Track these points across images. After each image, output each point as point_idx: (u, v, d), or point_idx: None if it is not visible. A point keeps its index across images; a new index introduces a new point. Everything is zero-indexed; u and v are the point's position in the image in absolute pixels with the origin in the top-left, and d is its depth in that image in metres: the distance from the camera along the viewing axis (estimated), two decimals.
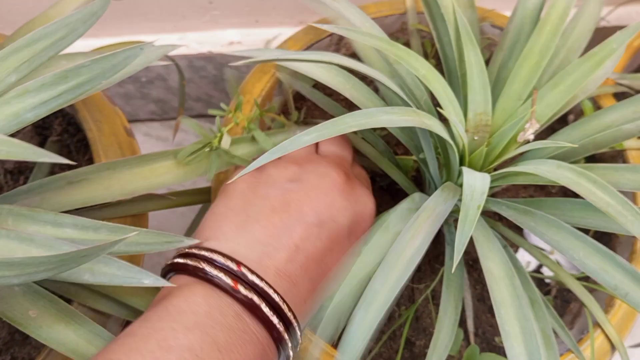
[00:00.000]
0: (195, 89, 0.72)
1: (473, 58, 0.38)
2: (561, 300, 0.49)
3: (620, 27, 0.71)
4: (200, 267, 0.32)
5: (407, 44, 0.53)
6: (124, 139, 0.47)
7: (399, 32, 0.55)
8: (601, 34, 0.52)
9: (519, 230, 0.51)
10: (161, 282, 0.29)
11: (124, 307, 0.41)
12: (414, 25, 0.51)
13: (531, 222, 0.36)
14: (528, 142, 0.38)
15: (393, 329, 0.44)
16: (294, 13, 0.65)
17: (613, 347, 0.44)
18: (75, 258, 0.26)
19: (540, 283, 0.49)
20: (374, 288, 0.31)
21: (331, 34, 0.53)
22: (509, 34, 0.41)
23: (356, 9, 0.43)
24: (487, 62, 0.44)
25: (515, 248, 0.51)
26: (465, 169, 0.36)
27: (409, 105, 0.36)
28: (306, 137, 0.30)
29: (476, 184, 0.34)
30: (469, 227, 0.31)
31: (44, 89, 0.29)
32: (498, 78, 0.41)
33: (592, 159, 0.50)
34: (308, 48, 0.49)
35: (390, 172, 0.44)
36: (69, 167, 0.50)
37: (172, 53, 0.65)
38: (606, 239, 0.49)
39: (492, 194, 0.45)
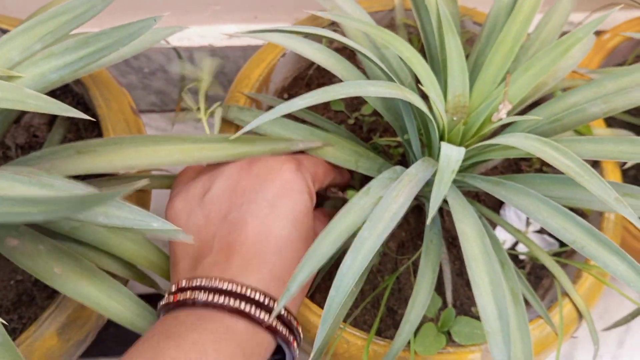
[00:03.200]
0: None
1: (453, 44, 0.42)
2: (534, 276, 0.53)
3: (599, 32, 0.75)
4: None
5: None
6: (131, 117, 0.50)
7: (388, 27, 0.59)
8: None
9: (496, 210, 0.54)
10: (168, 226, 0.32)
11: (129, 268, 0.45)
12: (402, 19, 0.55)
13: (502, 191, 0.39)
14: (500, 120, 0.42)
15: (375, 294, 0.48)
16: (291, 10, 0.69)
17: (581, 316, 0.48)
18: (94, 199, 0.29)
19: (516, 260, 0.53)
20: (363, 236, 0.35)
21: (328, 25, 0.57)
22: (487, 25, 0.45)
23: (352, 1, 0.47)
24: (467, 56, 0.48)
25: (493, 226, 0.54)
26: (443, 144, 0.40)
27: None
28: (301, 101, 0.33)
29: (452, 154, 0.38)
30: (444, 187, 0.35)
31: (68, 52, 0.32)
32: (476, 64, 0.45)
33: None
34: (306, 37, 0.53)
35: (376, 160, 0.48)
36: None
37: (175, 44, 0.69)
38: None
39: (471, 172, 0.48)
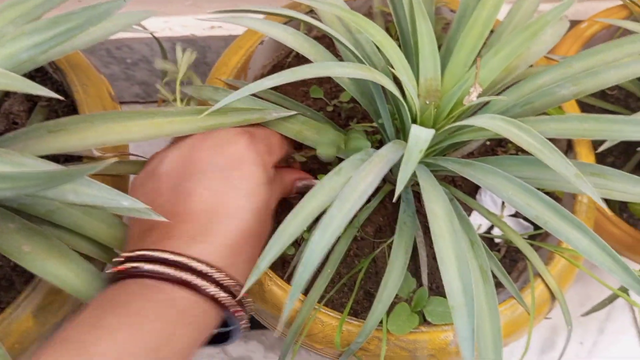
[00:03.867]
0: None
1: (424, 28, 0.43)
2: (509, 259, 0.54)
3: (577, 22, 0.76)
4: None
5: None
6: (109, 104, 0.51)
7: (366, 15, 0.59)
8: None
9: (472, 195, 0.55)
10: (138, 204, 0.32)
11: (105, 250, 0.45)
12: (379, 7, 0.56)
13: (471, 171, 0.40)
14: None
15: (350, 275, 0.48)
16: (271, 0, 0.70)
17: (553, 297, 0.48)
18: (62, 175, 0.30)
19: (491, 243, 0.54)
20: (331, 213, 0.35)
21: (307, 12, 0.57)
22: (459, 10, 0.46)
23: None
24: (442, 42, 0.49)
25: (470, 211, 0.55)
26: (413, 125, 0.40)
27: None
28: (269, 81, 0.34)
29: (421, 135, 0.38)
30: (411, 165, 0.35)
31: (38, 32, 0.33)
32: (447, 48, 0.46)
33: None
34: (285, 24, 0.54)
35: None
36: None
37: (158, 35, 0.70)
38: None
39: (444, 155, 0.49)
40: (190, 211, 0.38)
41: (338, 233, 0.35)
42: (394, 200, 0.34)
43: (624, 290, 0.62)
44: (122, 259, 0.37)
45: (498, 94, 0.46)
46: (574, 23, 0.74)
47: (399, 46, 0.48)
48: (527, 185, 0.36)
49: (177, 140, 0.43)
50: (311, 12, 0.57)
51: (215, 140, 0.41)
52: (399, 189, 0.34)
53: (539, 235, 0.53)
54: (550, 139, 0.35)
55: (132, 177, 0.51)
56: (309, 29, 0.60)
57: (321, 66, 0.36)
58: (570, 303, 0.79)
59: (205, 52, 0.73)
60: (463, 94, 0.43)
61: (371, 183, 0.37)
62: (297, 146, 0.49)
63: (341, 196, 0.36)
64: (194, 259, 0.36)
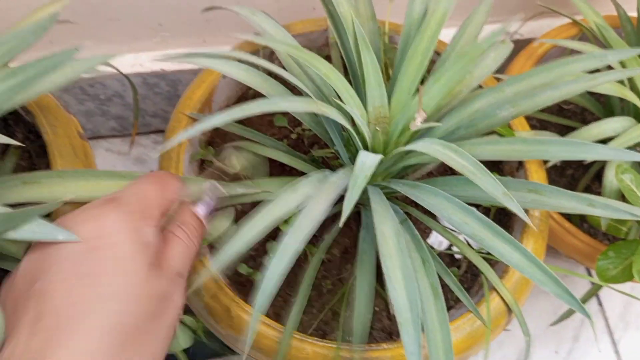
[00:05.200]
0: (152, 105, 0.78)
1: (369, 60, 0.46)
2: (471, 274, 0.56)
3: (532, 39, 0.79)
4: None
5: (329, 57, 0.60)
6: (77, 142, 0.53)
7: (324, 46, 0.63)
8: (517, 46, 0.60)
9: (433, 215, 0.57)
10: (73, 237, 0.33)
11: None
12: (333, 38, 0.59)
13: (417, 192, 0.42)
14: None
15: (331, 304, 0.50)
16: (237, 32, 0.72)
17: (510, 310, 0.50)
18: (9, 219, 0.32)
19: (453, 259, 0.56)
20: (286, 242, 0.37)
21: (263, 48, 0.60)
22: (401, 39, 0.48)
23: (275, 23, 0.51)
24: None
25: (429, 231, 0.57)
26: (361, 151, 0.43)
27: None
28: (217, 118, 0.36)
29: (367, 160, 0.41)
30: (356, 190, 0.37)
31: None
32: (394, 77, 0.48)
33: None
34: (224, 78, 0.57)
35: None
36: (29, 171, 0.55)
37: (128, 72, 0.72)
38: (506, 219, 0.56)
39: (400, 178, 0.51)
40: (47, 312, 0.30)
41: (292, 261, 0.37)
42: (340, 224, 0.36)
43: (597, 288, 0.64)
44: None
45: (444, 117, 0.49)
46: (529, 41, 0.77)
47: (350, 76, 0.51)
48: (465, 205, 0.39)
49: None
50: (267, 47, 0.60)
51: (68, 223, 0.34)
52: (345, 214, 0.36)
53: None
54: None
55: None
56: (270, 60, 0.63)
57: (268, 102, 0.38)
58: (543, 313, 0.81)
59: (177, 85, 0.76)
60: (409, 119, 0.46)
61: (323, 211, 0.39)
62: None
63: (295, 225, 0.38)
64: None
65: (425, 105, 0.45)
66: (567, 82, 0.44)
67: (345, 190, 0.43)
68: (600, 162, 0.67)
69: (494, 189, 0.34)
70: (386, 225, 0.41)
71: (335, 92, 0.46)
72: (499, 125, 0.46)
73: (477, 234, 0.37)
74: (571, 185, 0.70)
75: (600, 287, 0.61)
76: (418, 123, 0.45)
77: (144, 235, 0.34)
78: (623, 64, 0.56)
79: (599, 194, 0.69)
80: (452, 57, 0.50)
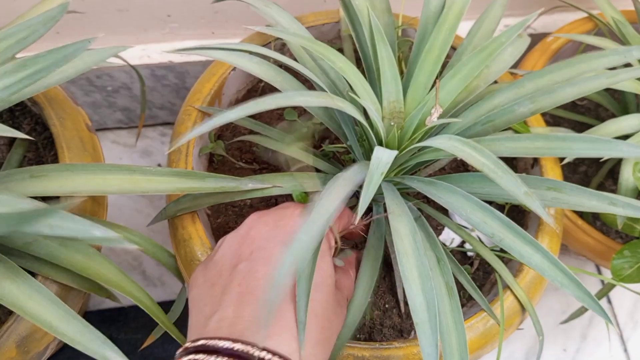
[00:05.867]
0: (159, 97, 0.78)
1: (385, 54, 0.45)
2: (483, 272, 0.55)
3: (546, 34, 0.78)
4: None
5: (341, 49, 0.59)
6: (85, 134, 0.52)
7: (335, 39, 0.61)
8: (531, 41, 0.59)
9: (445, 211, 0.57)
10: (110, 234, 0.33)
11: (84, 280, 0.46)
12: (346, 31, 0.58)
13: (432, 190, 0.41)
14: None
15: None
16: (246, 24, 0.71)
17: (523, 309, 0.50)
18: (33, 214, 0.31)
19: (464, 256, 0.55)
20: (300, 238, 0.36)
21: (274, 40, 0.59)
22: (418, 33, 0.47)
23: (288, 15, 0.50)
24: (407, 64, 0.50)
25: (442, 227, 0.56)
26: (377, 147, 0.42)
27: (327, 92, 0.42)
28: (232, 114, 0.35)
29: (383, 157, 0.40)
30: (372, 187, 0.37)
31: (6, 75, 0.34)
32: (409, 71, 0.47)
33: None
34: (234, 69, 0.56)
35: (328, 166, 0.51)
36: (36, 164, 0.55)
37: (135, 63, 0.71)
38: (520, 216, 0.55)
39: (412, 174, 0.50)
40: (252, 291, 0.36)
41: (308, 256, 0.36)
42: (356, 222, 0.36)
43: (609, 287, 0.63)
44: (183, 350, 0.34)
45: (461, 113, 0.48)
46: (542, 36, 0.76)
47: (364, 70, 0.50)
48: (484, 203, 0.38)
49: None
50: (279, 38, 0.59)
51: (272, 216, 0.41)
52: (361, 210, 0.36)
53: None
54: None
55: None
56: (281, 52, 0.62)
57: (283, 96, 0.37)
58: (551, 311, 0.81)
59: (185, 77, 0.75)
60: (425, 115, 0.45)
61: (337, 207, 0.39)
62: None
63: (308, 221, 0.37)
64: (266, 350, 0.33)
65: (442, 100, 0.44)
66: (588, 78, 0.43)
67: (358, 186, 0.42)
68: (614, 159, 0.66)
69: (516, 188, 0.34)
70: (401, 223, 0.40)
71: (350, 86, 0.45)
72: (516, 121, 0.45)
73: (497, 234, 0.36)
74: (584, 182, 0.69)
75: (613, 286, 0.60)
76: (434, 118, 0.44)
77: (331, 240, 0.41)
78: None
79: (612, 191, 0.69)
80: (468, 51, 0.49)
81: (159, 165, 0.81)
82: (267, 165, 0.58)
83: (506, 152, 0.39)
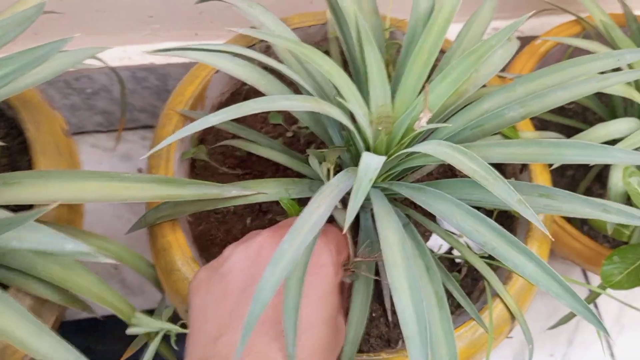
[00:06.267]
0: (140, 100, 0.76)
1: (372, 56, 0.43)
2: (471, 278, 0.54)
3: (534, 37, 0.78)
4: None
5: (328, 52, 0.58)
6: (61, 139, 0.50)
7: (322, 41, 0.60)
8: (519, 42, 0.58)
9: (432, 217, 0.56)
10: (83, 248, 0.32)
11: (60, 292, 0.44)
12: (333, 33, 0.56)
13: (422, 196, 0.40)
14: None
15: None
16: (231, 26, 0.69)
17: (513, 317, 0.49)
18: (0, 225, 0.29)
19: (452, 263, 0.54)
20: (282, 248, 0.35)
21: (259, 42, 0.57)
22: (406, 36, 0.46)
23: (273, 17, 0.48)
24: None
25: (430, 233, 0.55)
26: (364, 153, 0.41)
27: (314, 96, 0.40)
28: (213, 117, 0.34)
29: (371, 163, 0.39)
30: (361, 195, 0.35)
31: None
32: (397, 74, 0.46)
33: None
34: (217, 72, 0.54)
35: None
36: (10, 170, 0.53)
37: (116, 65, 0.70)
38: (509, 221, 0.54)
39: (400, 179, 0.49)
40: (262, 319, 0.34)
41: (289, 268, 0.35)
42: (344, 231, 0.34)
43: (595, 295, 0.63)
44: None
45: (449, 117, 0.47)
46: (530, 39, 0.76)
47: (351, 73, 0.49)
48: (475, 211, 0.37)
49: (249, 236, 0.41)
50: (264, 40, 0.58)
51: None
52: (348, 221, 0.34)
53: None
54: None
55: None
56: (267, 54, 0.60)
57: (267, 100, 0.36)
58: (538, 316, 0.80)
59: (166, 79, 0.73)
60: (413, 119, 0.44)
61: (322, 215, 0.37)
62: None
63: (293, 230, 0.36)
64: None
65: (431, 104, 0.43)
66: (578, 82, 0.42)
67: (346, 192, 0.41)
68: (601, 164, 0.65)
69: (508, 195, 0.33)
70: (390, 230, 0.39)
71: (337, 90, 0.44)
72: (506, 126, 0.44)
73: (489, 242, 0.35)
74: (572, 186, 0.68)
75: (599, 294, 0.59)
76: (423, 123, 0.43)
77: (338, 267, 0.40)
78: (630, 65, 0.54)
79: (600, 195, 0.68)
80: (458, 54, 0.48)
81: (140, 169, 0.79)
82: (251, 170, 0.56)
83: (497, 158, 0.38)
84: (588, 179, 0.66)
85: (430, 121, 0.46)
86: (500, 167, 0.57)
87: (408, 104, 0.45)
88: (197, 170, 0.55)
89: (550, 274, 0.33)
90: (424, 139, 0.46)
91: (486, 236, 0.36)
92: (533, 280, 0.33)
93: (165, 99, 0.77)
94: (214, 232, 0.52)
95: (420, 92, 0.44)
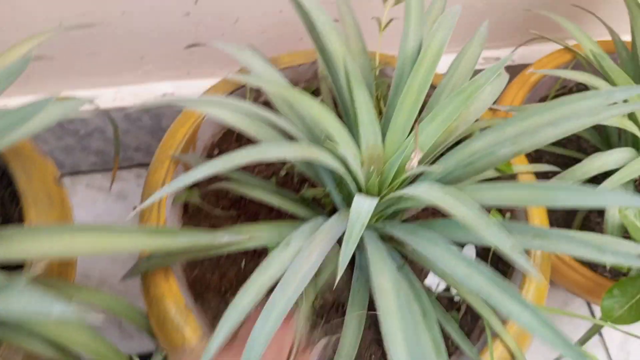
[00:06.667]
0: (134, 139, 0.76)
1: (362, 98, 0.43)
2: (471, 315, 0.53)
3: (524, 65, 0.78)
4: None
5: (318, 89, 0.58)
6: (53, 189, 0.50)
7: (313, 79, 0.60)
8: (510, 72, 0.58)
9: None
10: (70, 309, 0.31)
11: (54, 347, 0.43)
12: (323, 71, 0.56)
13: (415, 239, 0.40)
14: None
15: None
16: (222, 64, 0.70)
17: (514, 357, 0.48)
18: None
19: (451, 300, 0.53)
20: (274, 299, 0.35)
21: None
22: (395, 75, 0.46)
23: (263, 60, 0.48)
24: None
25: (426, 271, 0.55)
26: (357, 195, 0.40)
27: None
28: (197, 173, 0.34)
29: (363, 207, 0.38)
30: (352, 242, 0.35)
31: None
32: (387, 114, 0.46)
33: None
34: (232, 93, 0.54)
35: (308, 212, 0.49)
36: (2, 219, 0.52)
37: (109, 106, 0.70)
38: (505, 267, 0.53)
39: (394, 216, 0.49)
40: None
41: (281, 318, 0.34)
42: (338, 278, 0.34)
43: (597, 328, 0.62)
44: None
45: (441, 155, 0.47)
46: (521, 67, 0.76)
47: (341, 113, 0.49)
48: (469, 257, 0.36)
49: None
50: None
51: None
52: (340, 271, 0.34)
53: None
54: None
55: None
56: (257, 95, 0.61)
57: (256, 151, 0.36)
58: (542, 344, 0.79)
59: (160, 118, 0.73)
60: (405, 159, 0.44)
61: (315, 262, 0.37)
62: None
63: (283, 281, 0.35)
64: None
65: (421, 144, 0.43)
66: (569, 117, 0.42)
67: (339, 237, 0.41)
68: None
69: (501, 241, 0.32)
70: (384, 277, 0.39)
71: (327, 133, 0.44)
72: (498, 163, 0.44)
73: (484, 289, 0.35)
74: (569, 215, 0.68)
75: (602, 326, 0.58)
76: (414, 164, 0.42)
77: None
78: (626, 99, 0.54)
79: (598, 223, 0.68)
80: (448, 90, 0.48)
81: (135, 207, 0.79)
82: (246, 210, 0.56)
83: (490, 200, 0.38)
84: (581, 213, 0.66)
85: (422, 160, 0.46)
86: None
87: (399, 144, 0.44)
88: (190, 213, 0.54)
89: (546, 323, 0.32)
90: (417, 177, 0.46)
91: (480, 284, 0.35)
92: (529, 329, 0.33)
93: (159, 137, 0.77)
94: (209, 277, 0.52)
95: (410, 132, 0.44)
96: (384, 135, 0.45)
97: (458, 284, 0.45)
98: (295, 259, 0.36)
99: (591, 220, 0.68)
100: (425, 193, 0.38)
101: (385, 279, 0.38)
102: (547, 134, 0.43)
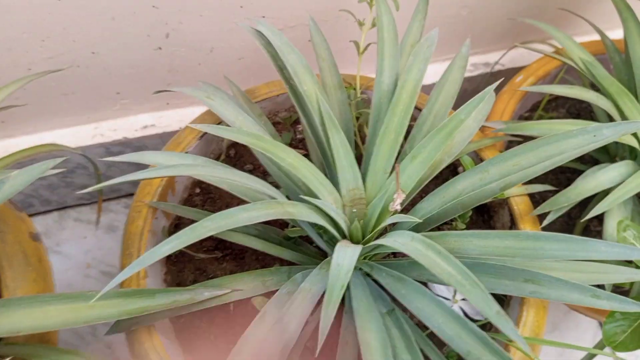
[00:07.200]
0: (119, 172, 0.74)
1: (338, 141, 0.41)
2: None
3: (515, 69, 0.76)
4: None
5: (298, 120, 0.56)
6: (29, 246, 0.48)
7: (292, 108, 0.58)
8: (499, 76, 0.56)
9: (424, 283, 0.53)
10: None
11: None
12: (298, 112, 0.54)
13: (402, 289, 0.38)
14: (396, 212, 0.41)
15: None
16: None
17: None
18: None
19: None
20: None
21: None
22: (372, 113, 0.44)
23: (234, 107, 0.46)
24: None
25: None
26: (338, 245, 0.38)
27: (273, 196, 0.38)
28: (165, 246, 0.32)
29: (344, 262, 0.36)
30: (332, 308, 0.33)
31: None
32: (367, 155, 0.44)
33: (481, 208, 0.54)
34: (202, 137, 0.52)
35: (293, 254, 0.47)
36: None
37: (88, 143, 0.68)
38: (500, 302, 0.51)
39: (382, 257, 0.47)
40: None
41: None
42: (320, 343, 0.32)
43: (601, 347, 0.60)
44: None
45: (425, 198, 0.44)
46: (512, 71, 0.74)
47: (319, 154, 0.47)
48: (459, 315, 0.34)
49: None
50: None
51: None
52: (321, 339, 0.32)
53: None
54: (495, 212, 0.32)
55: None
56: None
57: (224, 216, 0.34)
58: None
59: (143, 150, 0.71)
60: (388, 200, 0.42)
61: (295, 330, 0.35)
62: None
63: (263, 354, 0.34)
64: None
65: (404, 184, 0.41)
66: (555, 157, 0.40)
67: (322, 291, 0.39)
68: (597, 200, 0.63)
69: (486, 306, 0.30)
70: (371, 332, 0.37)
71: (304, 182, 0.42)
72: (486, 198, 0.42)
73: (473, 351, 0.33)
74: (568, 225, 0.66)
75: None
76: (397, 206, 0.41)
77: None
78: (620, 109, 0.52)
79: (598, 232, 0.66)
80: (429, 121, 0.46)
81: None
82: (231, 250, 0.54)
83: (473, 250, 0.36)
84: (578, 230, 0.63)
85: (408, 195, 0.44)
86: (489, 214, 0.54)
87: (380, 185, 0.42)
88: (173, 259, 0.53)
89: None
90: (404, 216, 0.44)
91: (469, 344, 0.33)
92: None
93: (144, 167, 0.76)
94: (197, 323, 0.50)
95: (391, 173, 0.42)
96: (364, 176, 0.43)
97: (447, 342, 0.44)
98: (273, 329, 0.35)
99: (591, 229, 0.66)
100: (406, 246, 0.36)
101: (371, 335, 0.37)
102: (533, 170, 0.41)
